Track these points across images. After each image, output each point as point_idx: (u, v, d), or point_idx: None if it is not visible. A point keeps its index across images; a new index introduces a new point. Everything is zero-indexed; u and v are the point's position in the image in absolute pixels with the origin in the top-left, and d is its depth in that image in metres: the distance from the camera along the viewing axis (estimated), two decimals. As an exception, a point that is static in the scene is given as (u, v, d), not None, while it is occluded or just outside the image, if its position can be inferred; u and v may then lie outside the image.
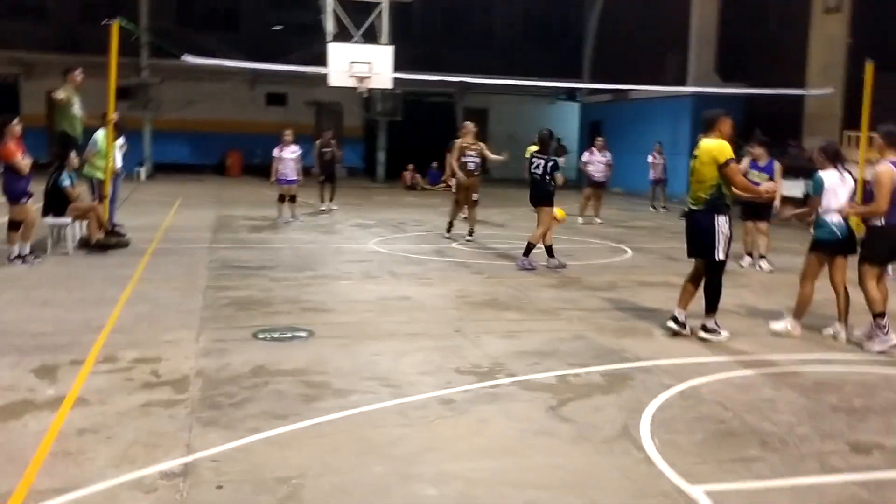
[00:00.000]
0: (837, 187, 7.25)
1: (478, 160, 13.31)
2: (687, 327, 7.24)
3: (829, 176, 7.28)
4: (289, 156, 15.20)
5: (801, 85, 19.18)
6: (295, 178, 15.25)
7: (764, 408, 5.38)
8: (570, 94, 30.43)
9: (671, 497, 4.01)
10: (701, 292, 7.23)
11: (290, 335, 6.92)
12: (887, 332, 6.97)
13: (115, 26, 11.22)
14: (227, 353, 6.25)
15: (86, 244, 10.85)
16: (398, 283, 9.46)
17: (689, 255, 7.40)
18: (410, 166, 25.92)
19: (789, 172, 18.89)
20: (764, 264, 11.10)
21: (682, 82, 22.47)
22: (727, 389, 5.77)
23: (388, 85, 21.76)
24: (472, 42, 29.75)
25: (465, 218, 13.80)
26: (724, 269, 7.27)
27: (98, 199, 11.46)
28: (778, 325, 7.49)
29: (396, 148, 27.68)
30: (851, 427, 5.08)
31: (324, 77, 20.82)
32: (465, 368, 6.06)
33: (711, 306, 7.19)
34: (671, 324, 7.28)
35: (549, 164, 10.85)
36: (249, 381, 5.60)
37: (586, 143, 23.75)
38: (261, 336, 6.84)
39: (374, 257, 11.44)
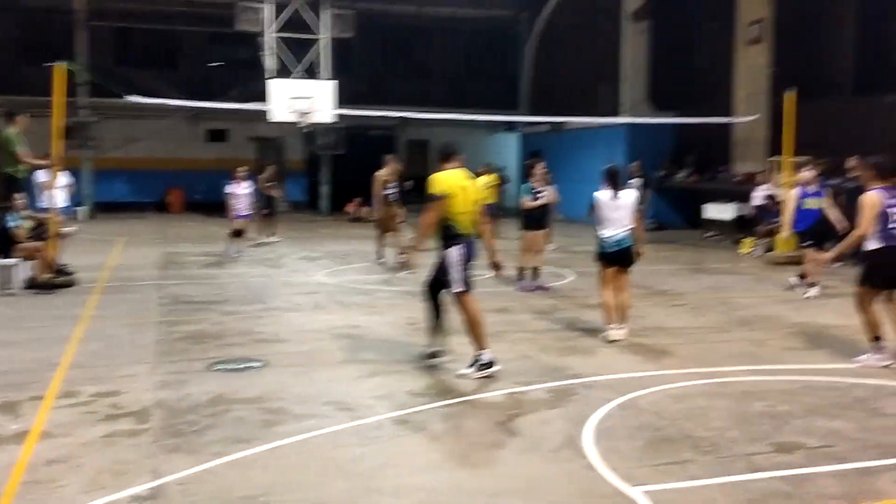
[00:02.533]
0: (608, 207, 8.14)
1: (397, 190, 14.61)
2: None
3: (601, 195, 8.22)
4: (242, 191, 15.55)
5: (728, 112, 20.03)
6: (248, 213, 15.62)
7: (697, 415, 5.78)
8: (510, 126, 31.09)
9: (613, 498, 4.34)
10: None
11: (245, 365, 7.12)
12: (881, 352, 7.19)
13: (60, 68, 11.31)
14: (184, 385, 6.43)
15: (33, 284, 10.86)
16: (348, 313, 9.71)
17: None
18: (357, 200, 26.09)
19: (721, 196, 19.68)
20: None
21: (616, 112, 23.21)
22: (664, 400, 6.16)
23: (330, 119, 22.15)
24: (412, 76, 30.27)
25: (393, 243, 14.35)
26: None
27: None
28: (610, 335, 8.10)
29: (339, 180, 27.86)
30: (776, 430, 5.50)
31: (265, 112, 21.10)
32: (417, 391, 6.34)
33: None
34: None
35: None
36: (209, 410, 5.79)
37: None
38: (217, 367, 7.03)
39: (322, 289, 11.66)
